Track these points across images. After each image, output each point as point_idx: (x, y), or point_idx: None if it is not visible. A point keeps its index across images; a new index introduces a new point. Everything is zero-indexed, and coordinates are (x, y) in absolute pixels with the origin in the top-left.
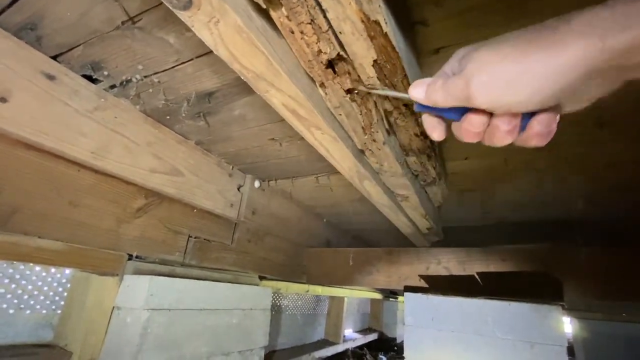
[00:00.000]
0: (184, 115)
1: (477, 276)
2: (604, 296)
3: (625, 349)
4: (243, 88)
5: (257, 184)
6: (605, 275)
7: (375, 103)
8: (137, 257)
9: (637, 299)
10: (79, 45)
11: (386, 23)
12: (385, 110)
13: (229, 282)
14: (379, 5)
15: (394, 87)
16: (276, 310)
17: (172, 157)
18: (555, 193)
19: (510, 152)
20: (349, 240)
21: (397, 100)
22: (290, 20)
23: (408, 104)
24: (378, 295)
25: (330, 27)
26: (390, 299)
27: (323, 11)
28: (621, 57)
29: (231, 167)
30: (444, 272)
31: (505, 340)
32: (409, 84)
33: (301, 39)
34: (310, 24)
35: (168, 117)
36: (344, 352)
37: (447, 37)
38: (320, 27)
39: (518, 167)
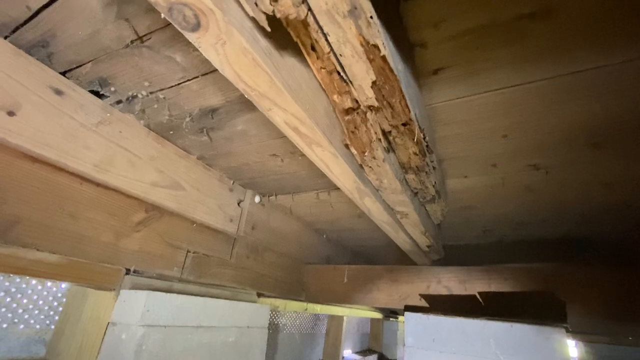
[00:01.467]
0: (187, 130)
1: (478, 296)
2: (608, 318)
3: None
4: (246, 105)
5: (257, 199)
6: (608, 296)
7: (374, 122)
8: (134, 271)
9: (634, 318)
10: (88, 62)
11: (384, 46)
12: (383, 130)
13: (226, 298)
14: (378, 30)
15: (391, 107)
16: (274, 328)
17: (174, 172)
18: (554, 212)
19: (507, 172)
20: (349, 256)
21: (395, 120)
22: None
23: (406, 124)
24: (378, 315)
25: (331, 49)
26: (391, 319)
27: (325, 35)
28: None
29: (232, 181)
30: (444, 292)
31: None
32: (407, 105)
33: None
34: (315, 50)
35: (171, 132)
36: None
37: (445, 58)
38: (322, 50)
39: (515, 187)
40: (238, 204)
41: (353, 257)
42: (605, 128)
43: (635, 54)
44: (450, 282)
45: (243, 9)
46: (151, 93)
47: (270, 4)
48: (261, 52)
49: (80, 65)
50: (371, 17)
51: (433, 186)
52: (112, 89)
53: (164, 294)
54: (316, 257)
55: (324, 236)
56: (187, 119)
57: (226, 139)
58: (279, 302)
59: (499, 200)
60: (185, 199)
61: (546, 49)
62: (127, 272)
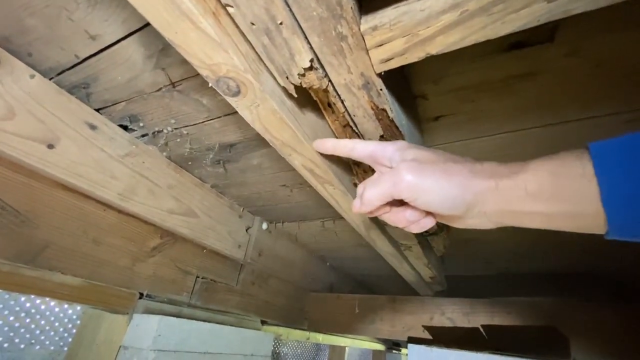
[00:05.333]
0: (205, 162)
1: (481, 329)
2: (611, 355)
3: None
4: (262, 142)
5: (264, 225)
6: (612, 332)
7: None
8: (147, 295)
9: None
10: (122, 101)
11: (391, 110)
12: None
13: (231, 325)
14: (386, 99)
15: None
16: (275, 358)
17: (189, 199)
18: (555, 246)
19: None
20: (352, 285)
21: None
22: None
23: None
24: (381, 347)
25: (346, 110)
26: (394, 351)
27: (341, 100)
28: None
29: (242, 209)
30: (448, 323)
31: None
32: None
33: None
34: (331, 107)
35: (190, 163)
36: None
37: (444, 108)
38: (339, 110)
39: None
40: (246, 230)
41: (356, 285)
42: None
43: (617, 109)
44: (453, 313)
45: (276, 80)
46: (176, 129)
47: (299, 78)
48: (287, 112)
49: (115, 104)
50: (381, 90)
51: None
52: (141, 124)
53: (175, 318)
54: (319, 284)
55: (328, 264)
56: (206, 152)
57: (240, 170)
58: (282, 330)
59: (500, 233)
60: (197, 226)
61: (535, 103)
62: (141, 296)
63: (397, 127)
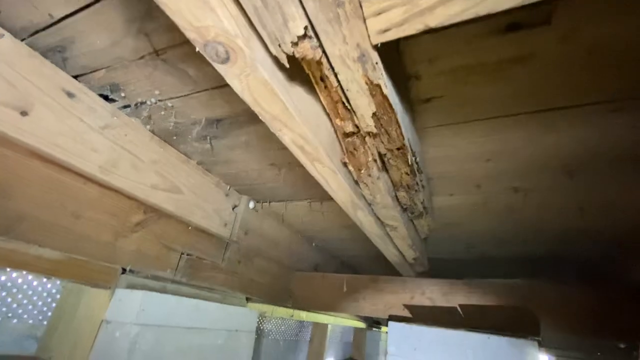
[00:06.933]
0: (190, 137)
1: (459, 308)
2: (580, 334)
3: None
4: (251, 117)
5: (251, 204)
6: (580, 313)
7: (371, 145)
8: (130, 271)
9: (610, 338)
10: (102, 69)
11: (385, 86)
12: (379, 152)
13: (216, 301)
14: (381, 73)
15: (388, 134)
16: (259, 333)
17: (174, 175)
18: (533, 233)
19: (490, 193)
20: (336, 265)
21: (390, 144)
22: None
23: (400, 148)
24: (362, 325)
25: (339, 84)
26: (374, 329)
27: (335, 73)
28: None
29: (228, 187)
30: (427, 303)
31: None
32: (401, 133)
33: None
34: (323, 82)
35: (175, 138)
36: None
37: (437, 90)
38: (331, 84)
39: (497, 208)
40: (233, 208)
41: (340, 266)
42: (579, 158)
43: (604, 97)
44: (433, 293)
45: (267, 49)
46: (160, 101)
47: (292, 47)
48: (278, 84)
49: (94, 71)
50: (376, 63)
51: (421, 203)
52: (122, 94)
53: (159, 294)
54: (304, 264)
55: (313, 244)
56: (192, 127)
57: (228, 147)
58: (266, 308)
59: (482, 219)
60: (182, 203)
61: (525, 88)
62: (123, 271)
63: (390, 105)
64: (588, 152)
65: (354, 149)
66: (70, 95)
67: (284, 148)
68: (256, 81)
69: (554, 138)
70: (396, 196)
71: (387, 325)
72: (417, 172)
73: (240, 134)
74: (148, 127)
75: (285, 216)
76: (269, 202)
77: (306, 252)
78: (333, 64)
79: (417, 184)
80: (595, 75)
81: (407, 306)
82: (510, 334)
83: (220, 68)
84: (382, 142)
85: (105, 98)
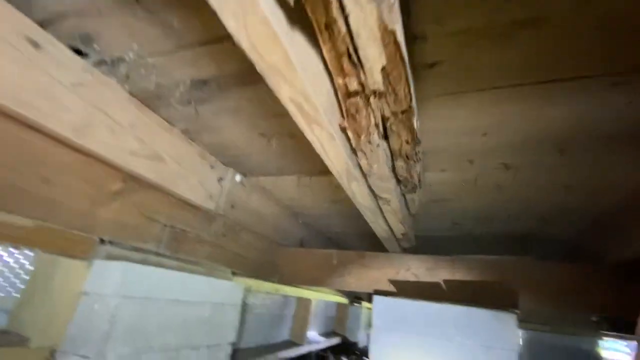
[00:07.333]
0: (173, 100)
1: (442, 283)
2: (556, 307)
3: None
4: (241, 80)
5: (238, 178)
6: (558, 288)
7: (375, 107)
8: (109, 242)
9: (584, 311)
10: (72, 15)
11: (400, 33)
12: (383, 116)
13: (202, 275)
14: (398, 16)
15: (395, 94)
16: (244, 308)
17: (155, 142)
18: (519, 211)
19: (481, 169)
20: (322, 242)
21: (396, 106)
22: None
23: (405, 111)
24: (344, 300)
25: (348, 30)
26: (355, 304)
27: (345, 15)
28: None
29: (214, 158)
30: (412, 278)
31: (464, 344)
32: (410, 92)
33: (322, 38)
34: (328, 30)
35: (156, 101)
36: (308, 355)
37: (442, 53)
38: (339, 30)
39: (486, 184)
40: (218, 181)
41: (326, 242)
42: (573, 135)
43: (608, 70)
44: (418, 269)
45: None
46: (139, 57)
47: None
48: (279, 25)
49: (63, 17)
50: (393, 4)
51: (417, 175)
52: (96, 47)
53: (141, 266)
54: (291, 240)
55: (300, 221)
56: (175, 89)
57: (214, 113)
58: (252, 282)
59: (470, 196)
60: (165, 172)
61: (533, 56)
62: (102, 242)
63: (402, 57)
64: (583, 129)
65: (356, 111)
66: (35, 45)
67: (274, 116)
68: (255, 20)
69: (552, 113)
70: (393, 167)
71: (368, 301)
72: (417, 141)
73: (229, 99)
74: (126, 87)
75: (273, 191)
76: (257, 176)
77: (292, 227)
78: (344, 3)
79: (415, 154)
80: (604, 46)
81: (392, 281)
82: (492, 307)
83: (214, 3)
84: (388, 104)
85: (78, 53)
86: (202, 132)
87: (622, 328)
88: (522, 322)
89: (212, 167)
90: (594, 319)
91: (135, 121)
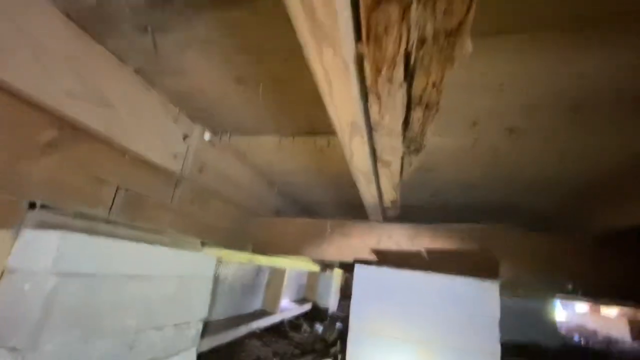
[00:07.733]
0: (124, 26)
1: (424, 251)
2: (534, 274)
3: (518, 319)
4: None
5: (207, 136)
6: (535, 254)
7: (414, 23)
8: (42, 206)
9: (561, 279)
10: None
11: None
12: (420, 38)
13: (166, 245)
14: None
15: None
16: (214, 280)
17: (101, 83)
18: (504, 179)
19: (483, 133)
20: (297, 211)
21: (445, 21)
22: None
23: (453, 31)
24: (316, 268)
25: None
26: (327, 272)
27: None
28: None
29: (178, 110)
30: (394, 247)
31: (446, 312)
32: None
33: None
34: None
35: (99, 26)
36: (281, 323)
37: None
38: None
39: (482, 150)
40: (184, 139)
41: (302, 212)
42: (591, 94)
43: None
44: (400, 237)
45: None
46: None
47: None
48: None
49: None
50: None
51: (428, 132)
52: None
53: (85, 235)
54: (266, 209)
55: (276, 189)
56: (125, 8)
57: (178, 46)
58: (224, 253)
59: (460, 164)
60: (115, 121)
61: None
62: (32, 206)
63: None
64: (602, 88)
65: (385, 29)
66: None
67: (256, 52)
68: None
69: (575, 69)
70: (406, 119)
71: (341, 268)
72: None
73: (198, 26)
74: (60, 6)
75: (248, 154)
76: (229, 134)
77: (268, 196)
78: None
79: (438, 102)
80: None
81: (373, 250)
82: (474, 275)
83: None
84: (435, 16)
85: None
86: (163, 74)
87: (598, 295)
88: (503, 290)
89: (175, 120)
90: (569, 286)
91: (72, 52)
